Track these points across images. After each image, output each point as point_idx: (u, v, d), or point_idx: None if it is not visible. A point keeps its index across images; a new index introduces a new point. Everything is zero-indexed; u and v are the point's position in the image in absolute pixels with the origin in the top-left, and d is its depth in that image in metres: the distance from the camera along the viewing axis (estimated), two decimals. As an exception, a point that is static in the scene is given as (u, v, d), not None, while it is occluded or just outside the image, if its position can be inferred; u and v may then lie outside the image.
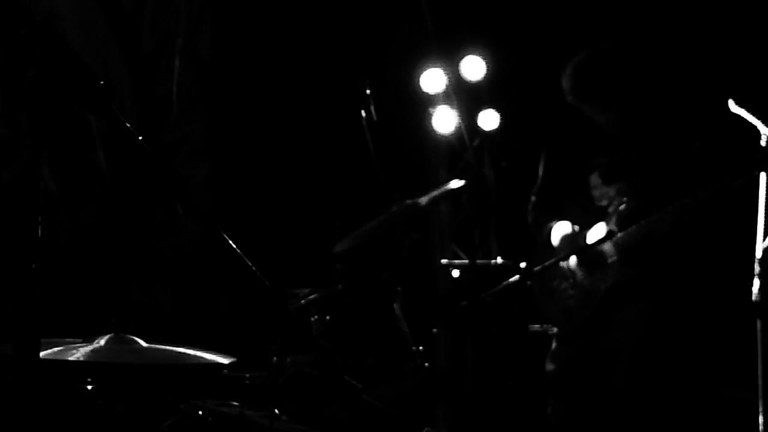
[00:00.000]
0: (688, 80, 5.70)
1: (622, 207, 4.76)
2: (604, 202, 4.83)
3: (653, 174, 4.75)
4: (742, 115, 4.33)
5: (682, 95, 5.34)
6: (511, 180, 6.03)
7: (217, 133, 6.20)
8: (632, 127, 4.83)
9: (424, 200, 4.87)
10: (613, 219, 4.76)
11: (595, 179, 4.86)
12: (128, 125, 1.98)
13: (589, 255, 4.79)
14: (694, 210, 4.56)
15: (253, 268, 1.93)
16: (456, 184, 4.98)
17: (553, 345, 4.95)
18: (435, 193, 4.96)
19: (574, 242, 4.82)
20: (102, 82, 1.90)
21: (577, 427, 4.85)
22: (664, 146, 4.79)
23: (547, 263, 4.64)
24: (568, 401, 4.85)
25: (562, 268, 4.86)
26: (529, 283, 4.70)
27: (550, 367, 4.92)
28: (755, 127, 4.30)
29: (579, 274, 4.84)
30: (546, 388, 4.94)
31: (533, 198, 5.11)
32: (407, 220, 4.81)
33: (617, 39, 5.02)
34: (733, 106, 4.35)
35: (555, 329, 5.02)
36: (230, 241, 1.91)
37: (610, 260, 4.75)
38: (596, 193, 4.86)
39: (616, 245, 4.72)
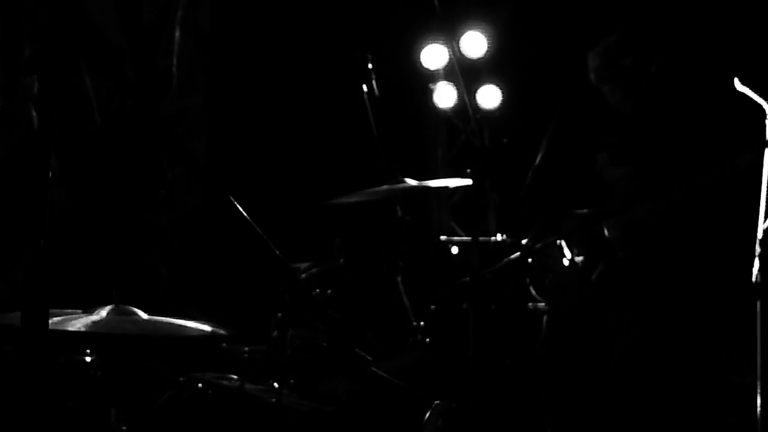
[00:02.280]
0: (697, 62, 5.65)
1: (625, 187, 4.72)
2: (610, 183, 4.79)
3: (662, 161, 4.71)
4: (747, 94, 4.31)
5: (693, 78, 5.28)
6: (512, 156, 6.00)
7: (216, 106, 6.17)
8: (648, 112, 4.77)
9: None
10: (616, 199, 4.73)
11: (603, 159, 4.81)
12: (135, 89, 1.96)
13: (587, 234, 4.77)
14: (698, 192, 4.53)
15: (264, 235, 1.90)
16: None
17: (544, 326, 4.91)
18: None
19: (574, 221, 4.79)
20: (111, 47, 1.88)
21: (570, 410, 4.83)
22: (675, 131, 4.74)
23: (548, 241, 4.62)
24: (561, 384, 4.83)
25: (557, 245, 4.83)
26: (530, 260, 4.68)
27: (541, 351, 4.90)
28: (760, 106, 4.28)
29: (575, 251, 4.82)
30: (538, 371, 4.93)
31: (529, 179, 5.04)
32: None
33: (648, 22, 4.97)
34: (738, 85, 4.32)
35: (545, 306, 4.97)
36: (240, 208, 1.89)
37: (610, 239, 4.73)
38: (603, 173, 4.82)
39: (618, 225, 4.69)
